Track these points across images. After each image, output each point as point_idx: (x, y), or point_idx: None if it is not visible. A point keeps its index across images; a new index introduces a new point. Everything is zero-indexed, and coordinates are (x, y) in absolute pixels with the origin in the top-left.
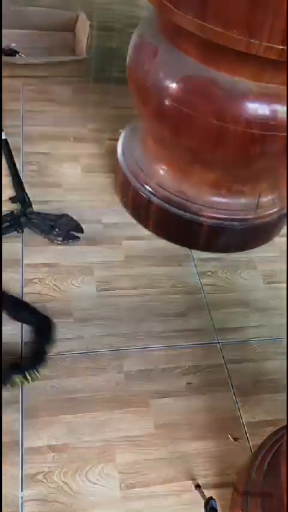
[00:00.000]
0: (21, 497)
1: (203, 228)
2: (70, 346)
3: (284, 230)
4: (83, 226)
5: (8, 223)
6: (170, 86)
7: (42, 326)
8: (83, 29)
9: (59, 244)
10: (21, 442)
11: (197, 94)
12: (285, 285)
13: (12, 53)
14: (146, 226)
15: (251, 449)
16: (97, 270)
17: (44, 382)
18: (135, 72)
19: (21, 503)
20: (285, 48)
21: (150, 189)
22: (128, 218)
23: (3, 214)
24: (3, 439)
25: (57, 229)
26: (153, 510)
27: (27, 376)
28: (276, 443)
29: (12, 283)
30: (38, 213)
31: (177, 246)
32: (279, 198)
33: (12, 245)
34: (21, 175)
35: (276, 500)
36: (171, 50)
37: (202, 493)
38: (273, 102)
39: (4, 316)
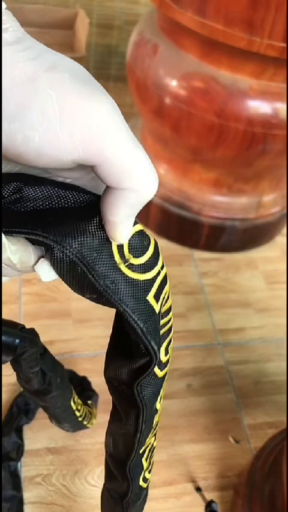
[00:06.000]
0: None
1: (204, 227)
2: (69, 347)
3: (285, 229)
4: None
5: None
6: (170, 83)
7: None
8: (82, 27)
9: None
10: None
11: (198, 92)
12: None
13: None
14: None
15: (252, 452)
16: None
17: None
18: (135, 70)
19: None
20: (287, 45)
21: None
22: None
23: None
24: None
25: None
26: None
27: None
28: (278, 445)
29: (11, 283)
30: None
31: (178, 246)
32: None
33: None
34: None
35: (278, 503)
36: (171, 47)
37: (203, 496)
38: (274, 100)
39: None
